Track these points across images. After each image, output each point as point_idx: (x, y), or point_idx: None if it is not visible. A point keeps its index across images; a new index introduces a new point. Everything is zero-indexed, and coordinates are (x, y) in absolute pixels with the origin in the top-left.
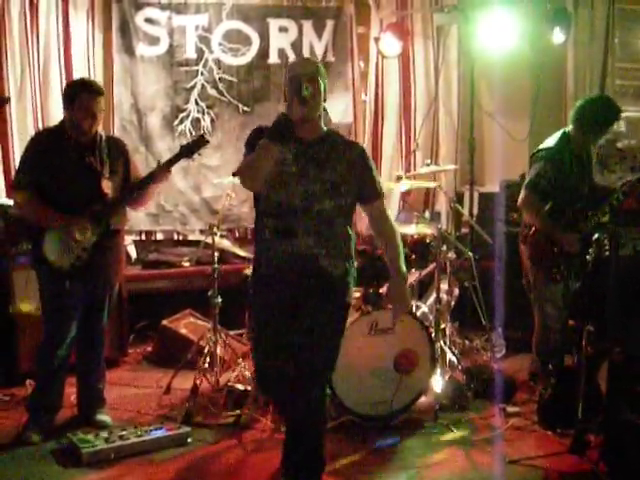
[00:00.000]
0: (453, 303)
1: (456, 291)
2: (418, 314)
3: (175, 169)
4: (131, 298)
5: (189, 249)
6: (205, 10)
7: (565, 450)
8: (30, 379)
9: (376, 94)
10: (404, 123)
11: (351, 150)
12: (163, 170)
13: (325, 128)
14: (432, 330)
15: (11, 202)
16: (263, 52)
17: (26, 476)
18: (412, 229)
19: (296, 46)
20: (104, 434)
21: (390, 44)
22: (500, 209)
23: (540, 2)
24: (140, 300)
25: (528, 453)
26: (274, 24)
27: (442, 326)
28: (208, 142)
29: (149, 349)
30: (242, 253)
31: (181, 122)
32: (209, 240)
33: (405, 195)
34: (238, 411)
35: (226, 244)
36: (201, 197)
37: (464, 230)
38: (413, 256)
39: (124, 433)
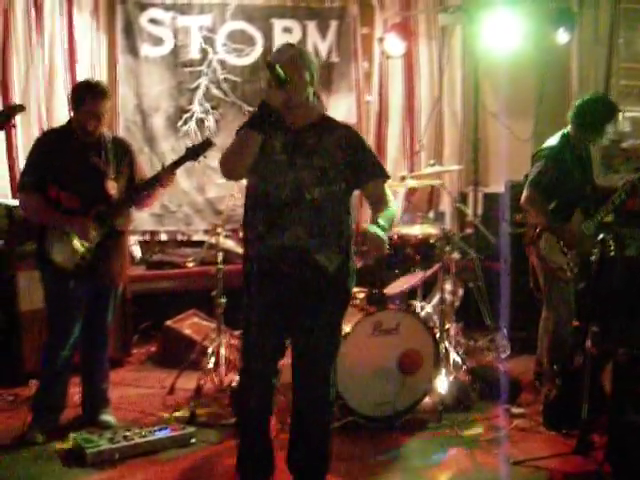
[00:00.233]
0: (457, 303)
1: (460, 291)
2: (422, 314)
3: (179, 170)
4: (135, 298)
5: (193, 249)
6: (209, 11)
7: (570, 451)
8: (34, 379)
9: (380, 94)
10: (408, 123)
11: (342, 132)
12: (168, 172)
13: (318, 114)
14: (436, 330)
15: (16, 203)
16: (267, 52)
17: (30, 476)
18: (416, 229)
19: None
20: (108, 434)
21: (394, 44)
22: (505, 209)
23: (544, 2)
24: (144, 300)
25: (533, 454)
26: (278, 24)
27: (446, 326)
28: (214, 145)
29: (153, 349)
30: None
31: (185, 123)
32: (213, 240)
33: (409, 195)
34: None
35: (230, 244)
36: (205, 197)
37: (468, 230)
38: (417, 256)
39: (128, 433)
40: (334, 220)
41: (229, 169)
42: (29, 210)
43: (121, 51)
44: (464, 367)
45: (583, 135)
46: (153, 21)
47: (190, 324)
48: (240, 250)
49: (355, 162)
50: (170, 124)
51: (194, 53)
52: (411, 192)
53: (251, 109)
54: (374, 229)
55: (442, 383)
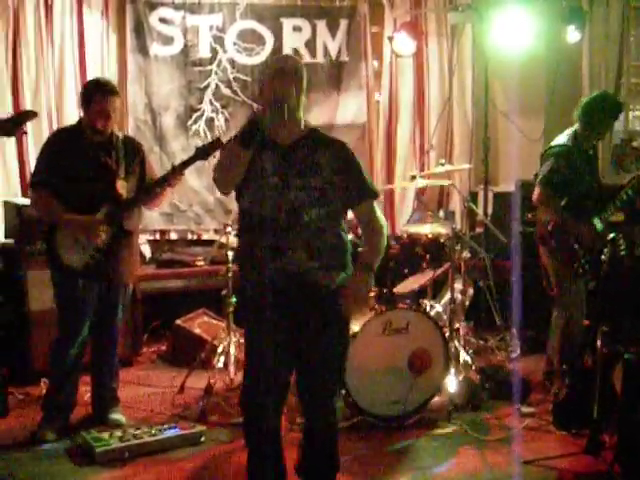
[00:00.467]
0: (467, 303)
1: (470, 291)
2: (432, 314)
3: (189, 169)
4: (145, 297)
5: (203, 248)
6: (219, 10)
7: (580, 451)
8: (44, 378)
9: (390, 93)
10: (418, 122)
11: (334, 149)
12: (177, 172)
13: (306, 126)
14: (446, 330)
15: (27, 202)
16: (277, 52)
17: (40, 474)
18: (426, 228)
19: (310, 45)
20: (118, 433)
21: (404, 43)
22: (515, 208)
23: (555, 0)
24: (154, 299)
25: (543, 453)
26: (288, 24)
27: (456, 326)
28: (223, 144)
29: (163, 348)
30: None
31: (195, 122)
32: (223, 240)
33: (419, 194)
34: None
35: None
36: (215, 197)
37: (478, 230)
38: (427, 255)
39: (138, 432)
40: (333, 240)
41: (220, 184)
42: (39, 208)
43: (131, 50)
44: (474, 366)
45: (590, 133)
46: (163, 20)
47: (200, 323)
48: None
49: (349, 182)
50: (180, 123)
51: (204, 52)
52: (421, 191)
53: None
54: (357, 281)
55: (452, 382)
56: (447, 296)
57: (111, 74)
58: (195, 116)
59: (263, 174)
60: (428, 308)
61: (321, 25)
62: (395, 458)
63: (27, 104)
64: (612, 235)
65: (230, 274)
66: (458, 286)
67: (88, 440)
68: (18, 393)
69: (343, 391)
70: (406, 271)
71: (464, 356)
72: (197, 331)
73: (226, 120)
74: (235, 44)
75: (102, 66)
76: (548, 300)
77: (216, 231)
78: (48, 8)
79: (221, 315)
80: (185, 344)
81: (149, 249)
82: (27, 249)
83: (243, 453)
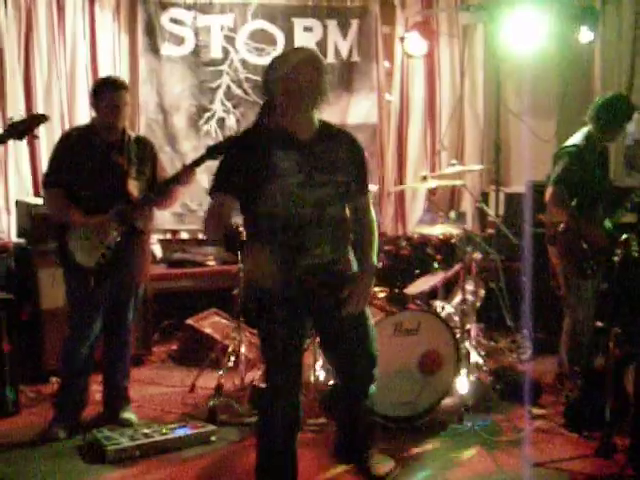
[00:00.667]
0: (478, 304)
1: (482, 292)
2: (443, 315)
3: (201, 168)
4: (156, 297)
5: (214, 248)
6: (230, 10)
7: (592, 453)
8: (56, 376)
9: (401, 94)
10: (429, 123)
11: (347, 141)
12: (188, 171)
13: (317, 119)
14: (457, 331)
15: (39, 201)
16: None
17: (51, 472)
18: (437, 229)
19: (321, 46)
20: (129, 432)
21: (416, 43)
22: (526, 209)
23: (567, 0)
24: (165, 299)
25: (554, 456)
26: (299, 24)
27: (467, 327)
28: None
29: (174, 348)
30: None
31: (206, 122)
32: None
33: (430, 195)
34: None
35: None
36: None
37: (490, 230)
38: (438, 256)
39: (149, 431)
40: (346, 227)
41: (212, 237)
42: (51, 207)
43: (142, 50)
44: (485, 368)
45: (602, 134)
46: (174, 21)
47: (211, 323)
48: None
49: (358, 175)
50: (191, 123)
51: (215, 52)
52: (432, 192)
53: None
54: (366, 282)
55: (463, 384)
56: (458, 297)
57: (123, 74)
58: (206, 116)
59: (285, 173)
60: (439, 309)
61: (332, 25)
62: (405, 459)
63: (39, 104)
64: (624, 236)
65: (241, 274)
66: (469, 287)
67: (99, 439)
68: (29, 391)
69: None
70: (417, 272)
71: (475, 357)
72: (208, 331)
73: (237, 120)
74: (246, 44)
75: (114, 66)
76: (560, 301)
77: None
78: (60, 8)
79: (232, 315)
80: (196, 344)
81: (160, 249)
82: (39, 248)
83: (253, 452)
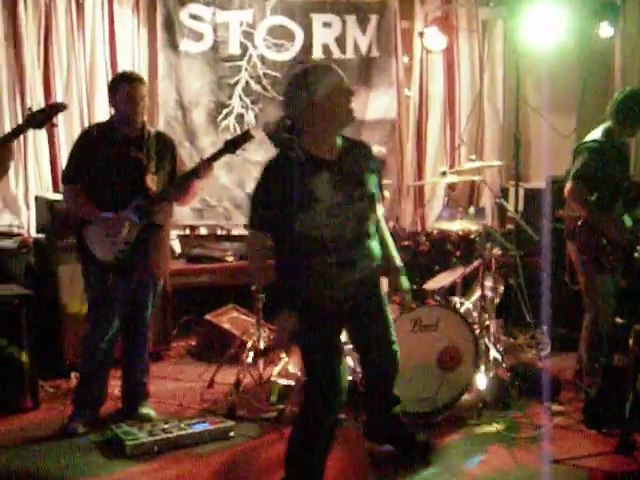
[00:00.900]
0: (497, 300)
1: (501, 288)
2: (462, 311)
3: (219, 164)
4: (175, 292)
5: (232, 244)
6: (249, 6)
7: (611, 450)
8: (75, 371)
9: (420, 89)
10: (449, 118)
11: (366, 151)
12: (206, 165)
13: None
14: (476, 327)
15: (58, 197)
16: (307, 47)
17: (71, 467)
18: (457, 225)
19: (340, 41)
20: (148, 427)
21: (435, 39)
22: (546, 205)
23: None
24: (184, 294)
25: (573, 452)
26: (318, 19)
27: (486, 323)
28: (253, 137)
29: (193, 343)
30: None
31: (225, 118)
32: None
33: (449, 191)
34: (281, 405)
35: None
36: (245, 192)
37: (509, 226)
38: (457, 252)
39: (167, 426)
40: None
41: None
42: (69, 203)
43: (161, 46)
44: (504, 364)
45: (622, 129)
46: (193, 16)
47: (229, 318)
48: None
49: (380, 184)
50: (210, 119)
51: (234, 48)
52: (451, 188)
53: None
54: (404, 286)
55: (482, 380)
56: (477, 293)
57: (142, 70)
58: (225, 112)
59: (323, 197)
60: (458, 305)
61: (351, 21)
62: (424, 455)
63: (59, 100)
64: None
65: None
66: (488, 283)
67: (118, 434)
68: (49, 386)
69: None
70: (436, 268)
71: (494, 354)
72: (226, 326)
73: (256, 116)
74: (265, 40)
75: (133, 62)
76: (579, 297)
77: (246, 227)
78: (79, 5)
79: (251, 311)
80: (214, 339)
81: (179, 244)
82: (59, 244)
83: (272, 448)
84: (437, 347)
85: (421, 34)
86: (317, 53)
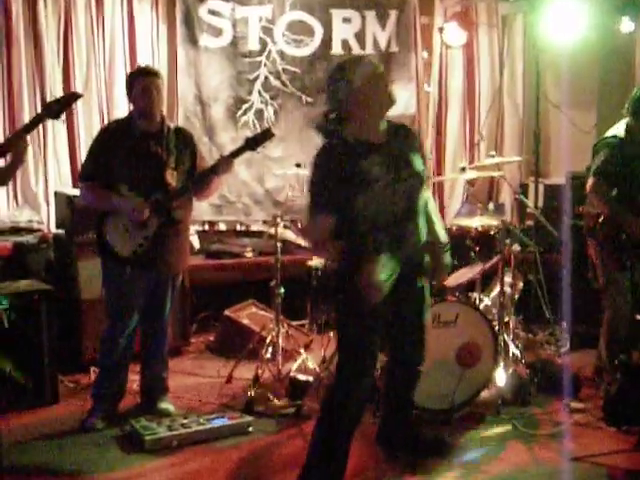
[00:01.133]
0: (517, 296)
1: (520, 284)
2: (481, 307)
3: (239, 160)
4: (194, 288)
5: (252, 240)
6: (268, 1)
7: (631, 447)
8: (94, 366)
9: (440, 85)
10: (468, 114)
11: (410, 134)
12: (226, 162)
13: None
14: (495, 323)
15: (77, 192)
16: (326, 43)
17: (90, 461)
18: (476, 221)
19: (359, 37)
20: (166, 422)
21: (454, 34)
22: (566, 201)
23: None
24: (203, 290)
25: (592, 450)
26: (337, 15)
27: (505, 319)
28: (274, 135)
29: (212, 338)
30: (305, 244)
31: (244, 113)
32: (272, 231)
33: (469, 186)
34: (299, 401)
35: (289, 235)
36: (264, 188)
37: (529, 222)
38: (477, 248)
39: (186, 421)
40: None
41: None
42: (87, 197)
43: (181, 42)
44: (523, 361)
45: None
46: (212, 12)
47: (248, 314)
48: (299, 241)
49: (424, 163)
50: (230, 115)
51: (253, 44)
52: (471, 183)
53: (310, 100)
54: (445, 261)
55: (500, 377)
56: (496, 289)
57: (161, 66)
58: (244, 107)
59: (376, 178)
60: (477, 301)
61: (370, 16)
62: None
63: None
64: None
65: (279, 265)
66: (508, 279)
67: (137, 428)
68: (68, 381)
69: None
70: (455, 264)
71: (513, 350)
72: (245, 322)
73: (275, 112)
74: (284, 35)
75: (152, 58)
76: (599, 294)
77: (265, 222)
78: (99, 1)
79: (270, 306)
80: (233, 334)
81: (198, 240)
82: (78, 239)
83: (290, 443)
84: (456, 343)
85: (441, 29)
86: (336, 49)
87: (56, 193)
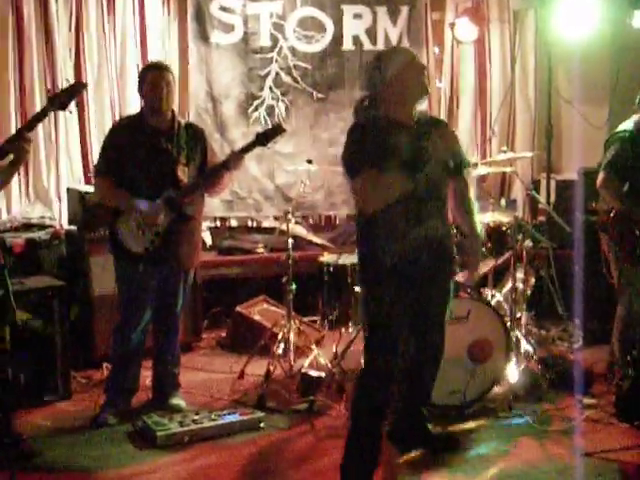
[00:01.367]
0: (529, 292)
1: (532, 280)
2: (493, 303)
3: (249, 156)
4: (205, 284)
5: (263, 236)
6: None
7: None
8: (107, 362)
9: (451, 80)
10: (480, 110)
11: (442, 127)
12: (236, 157)
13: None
14: (507, 319)
15: (89, 189)
16: (337, 39)
17: (102, 457)
18: (488, 217)
19: (370, 33)
20: (178, 417)
21: (466, 29)
22: (578, 197)
23: None
24: (214, 286)
25: (604, 446)
26: (348, 11)
27: (518, 315)
28: (285, 131)
29: (223, 334)
30: (317, 240)
31: (256, 109)
32: (284, 227)
33: (481, 182)
34: (311, 397)
35: (301, 231)
36: (275, 184)
37: (540, 218)
38: (489, 244)
39: (198, 417)
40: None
41: (375, 205)
42: (100, 193)
43: (192, 38)
44: (535, 356)
45: None
46: (223, 8)
47: (260, 310)
48: (310, 237)
49: (455, 156)
50: (241, 111)
51: (264, 40)
52: (482, 179)
53: (321, 96)
54: (477, 249)
55: (513, 372)
56: (508, 285)
57: (172, 62)
58: (256, 103)
59: (400, 152)
60: (489, 297)
61: (382, 12)
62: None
63: (90, 92)
64: None
65: (290, 261)
66: (520, 275)
67: (149, 424)
68: (80, 377)
69: None
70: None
71: (525, 346)
72: (257, 318)
73: (286, 108)
74: (295, 31)
75: (163, 54)
76: (612, 290)
77: (276, 218)
78: None
79: (281, 302)
80: (245, 331)
81: (209, 236)
82: (90, 235)
83: (302, 439)
84: (468, 339)
85: (452, 25)
86: (348, 44)
87: (68, 189)
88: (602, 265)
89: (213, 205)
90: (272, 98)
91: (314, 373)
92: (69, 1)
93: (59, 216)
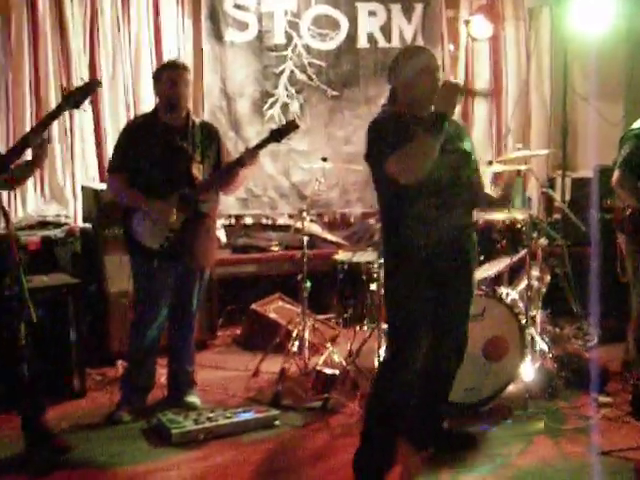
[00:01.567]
0: (544, 290)
1: (547, 278)
2: (508, 301)
3: (264, 153)
4: (221, 281)
5: (278, 233)
6: None
7: None
8: (122, 359)
9: (466, 78)
10: (495, 107)
11: (458, 125)
12: (251, 154)
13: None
14: (522, 317)
15: (104, 186)
16: (352, 36)
17: (117, 454)
18: (503, 214)
19: (385, 30)
20: (193, 415)
21: (481, 27)
22: (593, 195)
23: None
24: (229, 284)
25: (620, 444)
26: (363, 8)
27: (533, 313)
28: (298, 127)
29: (238, 332)
30: (331, 238)
31: (270, 107)
32: (299, 225)
33: (496, 180)
34: (326, 395)
35: (316, 229)
36: (290, 182)
37: (556, 216)
38: (503, 242)
39: (213, 415)
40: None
41: (415, 172)
42: (114, 192)
43: (206, 36)
44: (550, 355)
45: None
46: (238, 6)
47: (275, 308)
48: (325, 235)
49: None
50: (255, 109)
51: (279, 38)
52: (498, 177)
53: (336, 93)
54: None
55: (528, 370)
56: (523, 283)
57: (187, 61)
58: (270, 101)
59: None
60: (504, 295)
61: (396, 9)
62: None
63: (104, 90)
64: None
65: (305, 259)
66: (535, 273)
67: (164, 422)
68: (95, 374)
69: None
70: (482, 257)
71: (540, 344)
72: (272, 316)
73: (301, 105)
74: (310, 29)
75: (178, 52)
76: (627, 288)
77: (291, 216)
78: None
79: (296, 300)
80: (260, 328)
81: (224, 234)
82: (105, 233)
83: (316, 437)
84: (483, 337)
85: (467, 22)
86: (362, 42)
87: (83, 187)
88: (617, 263)
89: (228, 203)
90: (287, 96)
91: (329, 371)
92: (83, 0)
93: (74, 214)
